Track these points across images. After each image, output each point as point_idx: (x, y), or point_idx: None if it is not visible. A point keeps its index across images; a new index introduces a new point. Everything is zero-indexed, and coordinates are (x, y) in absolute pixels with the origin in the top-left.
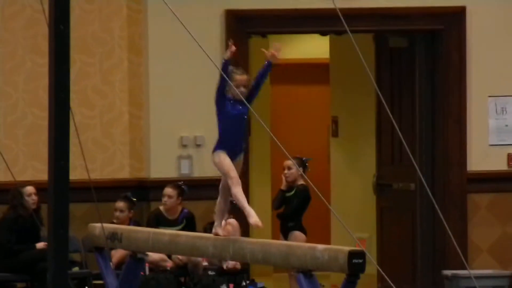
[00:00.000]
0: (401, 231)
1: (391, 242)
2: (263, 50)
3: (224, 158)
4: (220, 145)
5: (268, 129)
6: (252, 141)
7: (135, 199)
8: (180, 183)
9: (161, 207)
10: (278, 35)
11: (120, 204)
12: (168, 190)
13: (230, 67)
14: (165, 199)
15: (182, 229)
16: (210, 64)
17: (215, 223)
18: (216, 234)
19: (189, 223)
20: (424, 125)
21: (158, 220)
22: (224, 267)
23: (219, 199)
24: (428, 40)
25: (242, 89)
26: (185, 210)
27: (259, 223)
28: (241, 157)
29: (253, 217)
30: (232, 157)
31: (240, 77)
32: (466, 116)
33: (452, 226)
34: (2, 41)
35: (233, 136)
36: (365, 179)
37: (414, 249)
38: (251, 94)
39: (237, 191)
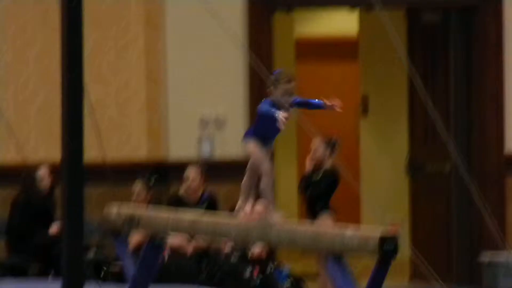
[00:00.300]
0: (435, 216)
1: (425, 224)
2: (326, 101)
3: (257, 148)
4: (254, 133)
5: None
6: None
7: (155, 177)
8: (195, 164)
9: (182, 190)
10: (304, 10)
11: (138, 186)
12: (192, 172)
13: (277, 74)
14: (188, 182)
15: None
16: (233, 42)
17: (239, 202)
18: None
19: (211, 206)
20: (459, 103)
21: (178, 204)
22: (249, 255)
23: (245, 178)
24: (463, 16)
25: (288, 98)
26: (207, 193)
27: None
28: (272, 144)
29: (275, 217)
30: (265, 144)
31: (285, 86)
32: (503, 94)
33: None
34: (12, 16)
35: (271, 133)
36: (397, 160)
37: (449, 235)
38: (295, 105)
39: (267, 184)
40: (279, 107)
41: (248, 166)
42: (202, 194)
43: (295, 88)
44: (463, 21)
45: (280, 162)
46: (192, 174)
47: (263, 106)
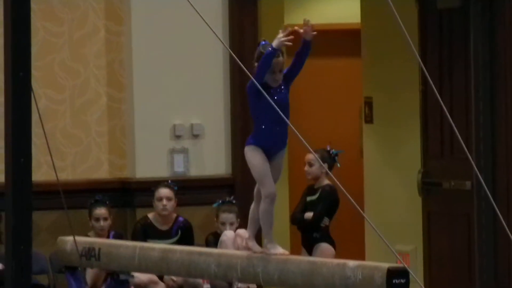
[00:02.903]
0: (454, 242)
1: (441, 256)
2: (296, 28)
3: (260, 159)
4: (258, 139)
5: (281, 114)
6: None
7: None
8: (167, 182)
9: (150, 215)
10: None
11: (102, 210)
12: (166, 191)
13: (264, 46)
14: (163, 202)
15: (177, 243)
16: (210, 34)
17: (247, 234)
18: (248, 249)
19: (186, 235)
20: (482, 106)
21: (147, 232)
22: None
23: (253, 205)
24: None
25: (279, 74)
26: (180, 219)
27: (286, 252)
28: (282, 155)
29: (278, 250)
30: (271, 155)
31: (276, 60)
32: None
33: None
34: None
35: (277, 128)
36: (407, 176)
37: (471, 265)
38: (290, 77)
39: (266, 209)
40: (272, 86)
41: (255, 190)
42: (175, 222)
43: (284, 63)
44: (486, 5)
45: None
46: (166, 193)
47: (251, 85)
